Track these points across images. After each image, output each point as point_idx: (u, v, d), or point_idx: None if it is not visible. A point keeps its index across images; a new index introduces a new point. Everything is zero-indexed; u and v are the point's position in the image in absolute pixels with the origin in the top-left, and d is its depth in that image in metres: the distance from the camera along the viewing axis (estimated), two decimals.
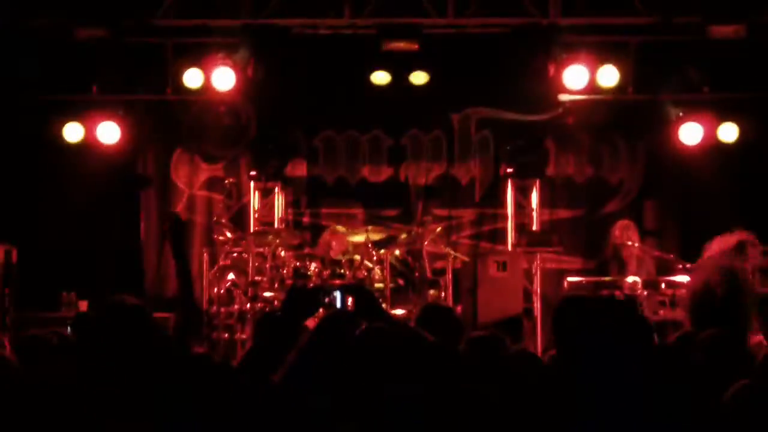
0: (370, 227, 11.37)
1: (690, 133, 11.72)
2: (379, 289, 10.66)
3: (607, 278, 10.72)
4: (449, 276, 11.21)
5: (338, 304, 4.11)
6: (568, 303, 5.24)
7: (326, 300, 4.16)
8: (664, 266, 10.85)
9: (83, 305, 10.96)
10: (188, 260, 4.88)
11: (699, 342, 4.71)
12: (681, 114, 11.72)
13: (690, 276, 6.10)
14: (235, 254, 11.43)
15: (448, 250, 11.39)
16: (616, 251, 11.01)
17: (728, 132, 11.71)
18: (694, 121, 11.68)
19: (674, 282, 10.34)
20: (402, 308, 10.70)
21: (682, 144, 11.78)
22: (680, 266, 10.28)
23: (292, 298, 4.29)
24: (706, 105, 11.68)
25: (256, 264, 11.10)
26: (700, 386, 4.42)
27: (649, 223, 12.44)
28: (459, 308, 10.82)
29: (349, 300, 4.16)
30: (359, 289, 4.41)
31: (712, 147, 11.78)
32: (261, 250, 11.16)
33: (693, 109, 11.70)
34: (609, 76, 11.47)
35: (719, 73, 11.56)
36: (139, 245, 12.49)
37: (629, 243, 10.87)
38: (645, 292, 10.42)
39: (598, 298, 3.92)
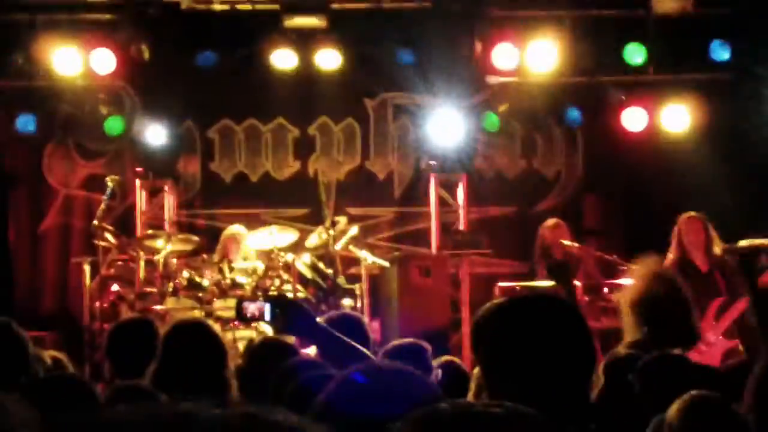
0: (274, 229, 10.90)
1: (633, 119, 11.71)
2: None
3: (542, 284, 10.33)
4: (366, 284, 10.91)
5: (267, 318, 3.82)
6: (489, 312, 5.07)
7: (249, 314, 3.89)
8: (607, 268, 10.67)
9: None
10: None
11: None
12: (623, 98, 11.71)
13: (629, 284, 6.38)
14: (119, 263, 11.17)
15: (364, 254, 10.93)
16: (547, 254, 10.73)
17: (674, 117, 11.69)
18: (637, 105, 11.69)
19: (619, 286, 9.93)
20: None
21: (625, 131, 11.78)
22: (624, 268, 9.94)
23: None
24: (651, 87, 11.72)
25: (145, 274, 10.86)
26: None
27: (590, 221, 12.45)
28: (378, 320, 10.69)
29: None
30: (289, 301, 4.26)
31: (657, 134, 11.80)
32: (150, 257, 10.75)
33: (636, 92, 11.72)
34: (542, 55, 11.37)
35: (664, 52, 11.56)
36: (8, 252, 12.13)
37: (566, 243, 10.55)
38: (586, 298, 10.28)
39: (522, 299, 3.26)
